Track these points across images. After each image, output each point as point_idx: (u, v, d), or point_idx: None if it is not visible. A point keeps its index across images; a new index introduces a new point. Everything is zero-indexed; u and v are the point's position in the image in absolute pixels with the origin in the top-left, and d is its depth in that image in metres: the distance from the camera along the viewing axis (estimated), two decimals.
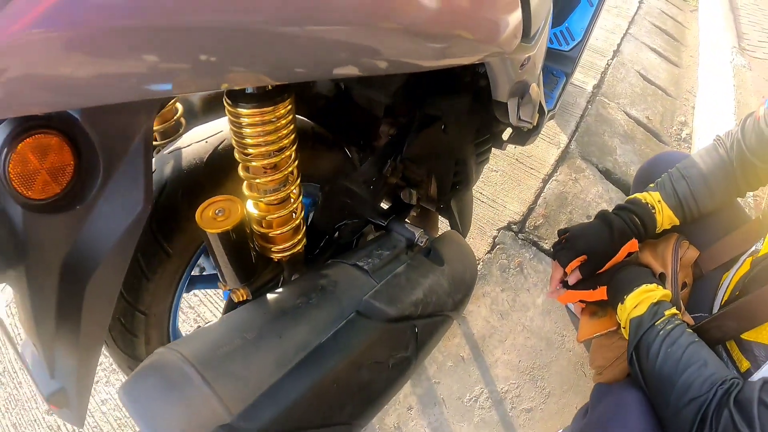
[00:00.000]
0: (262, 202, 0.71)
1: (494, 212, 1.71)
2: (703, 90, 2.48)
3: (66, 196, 0.48)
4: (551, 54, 1.66)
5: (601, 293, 0.93)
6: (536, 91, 0.95)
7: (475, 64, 0.78)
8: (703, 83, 2.54)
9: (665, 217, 0.96)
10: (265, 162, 0.66)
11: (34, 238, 0.49)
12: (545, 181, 1.83)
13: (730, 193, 0.96)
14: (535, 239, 1.66)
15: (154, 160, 0.76)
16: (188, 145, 0.76)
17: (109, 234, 0.50)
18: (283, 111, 0.62)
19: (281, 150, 0.66)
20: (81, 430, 1.16)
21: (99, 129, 0.47)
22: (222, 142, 0.76)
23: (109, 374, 1.25)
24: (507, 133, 1.19)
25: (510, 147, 1.90)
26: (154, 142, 0.94)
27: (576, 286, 0.97)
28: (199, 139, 0.77)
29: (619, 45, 2.58)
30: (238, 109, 0.60)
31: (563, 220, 1.72)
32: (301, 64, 0.48)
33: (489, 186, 1.79)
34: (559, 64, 1.64)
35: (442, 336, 0.82)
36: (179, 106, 0.95)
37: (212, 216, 0.64)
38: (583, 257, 0.95)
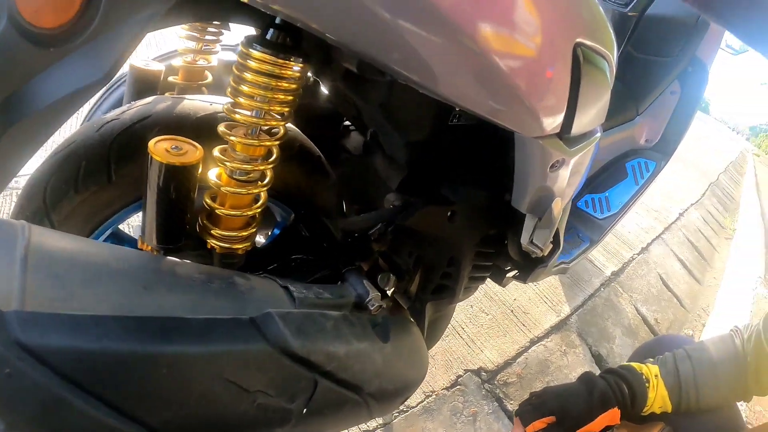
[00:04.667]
0: (226, 173, 0.63)
1: (468, 352, 1.57)
2: (719, 311, 2.42)
3: (52, 33, 0.45)
4: (583, 217, 1.62)
5: None
6: (558, 210, 0.88)
7: (506, 159, 0.75)
8: (720, 305, 2.49)
9: (658, 396, 0.83)
10: (252, 120, 0.58)
11: None
12: (533, 342, 1.70)
13: (736, 390, 0.84)
14: (501, 395, 1.47)
15: (155, 97, 0.73)
16: (192, 99, 0.73)
17: (57, 89, 0.46)
18: (290, 73, 0.57)
19: (271, 114, 0.59)
20: None
21: None
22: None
23: None
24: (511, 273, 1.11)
25: (509, 297, 1.86)
26: (170, 94, 0.90)
27: None
28: (205, 100, 0.74)
29: (648, 245, 2.60)
30: (250, 50, 0.55)
31: (537, 388, 1.53)
32: (357, 30, 0.46)
33: (474, 325, 1.67)
34: (587, 228, 1.60)
35: (344, 422, 0.64)
36: (209, 75, 0.92)
37: (166, 149, 0.56)
38: (550, 418, 0.81)
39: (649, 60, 1.74)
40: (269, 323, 0.50)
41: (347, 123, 1.02)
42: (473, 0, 0.49)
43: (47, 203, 0.65)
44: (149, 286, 0.48)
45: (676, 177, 3.90)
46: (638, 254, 2.46)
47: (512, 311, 1.78)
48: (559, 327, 1.80)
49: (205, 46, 0.89)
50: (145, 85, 0.92)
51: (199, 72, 0.90)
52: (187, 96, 0.74)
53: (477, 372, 1.51)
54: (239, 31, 0.90)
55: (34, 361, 0.38)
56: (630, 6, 1.68)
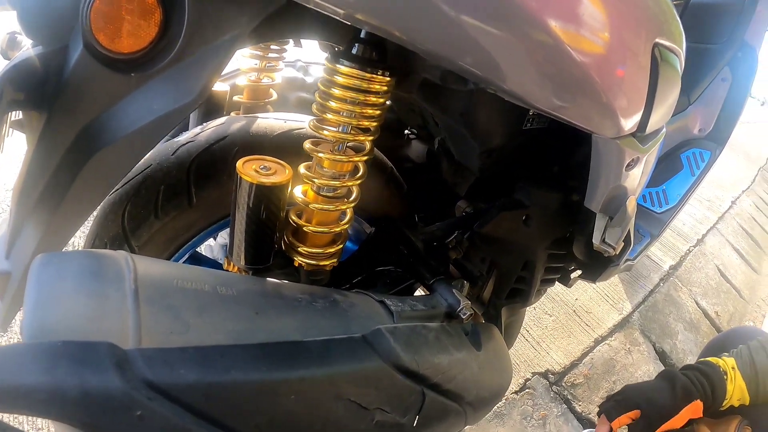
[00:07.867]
0: (313, 190, 0.63)
1: (535, 355, 1.54)
2: None
3: (131, 59, 0.45)
4: (642, 212, 1.58)
5: None
6: (632, 208, 0.86)
7: (574, 160, 0.72)
8: None
9: (736, 388, 0.83)
10: (339, 136, 0.58)
11: (76, 86, 0.45)
12: (597, 342, 1.66)
13: None
14: (569, 397, 1.43)
15: (227, 117, 0.73)
16: (266, 118, 0.73)
17: (144, 113, 0.45)
18: (377, 86, 0.56)
19: (358, 129, 0.59)
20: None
21: (199, 7, 0.45)
22: (300, 129, 0.71)
23: None
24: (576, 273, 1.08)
25: (571, 298, 1.82)
26: (235, 113, 0.91)
27: None
28: (279, 118, 0.74)
29: (704, 235, 2.51)
30: (337, 65, 0.55)
31: (604, 388, 1.51)
32: (432, 34, 0.45)
33: (539, 328, 1.65)
34: (647, 223, 1.56)
35: None
36: (273, 93, 0.93)
37: (255, 169, 0.56)
38: (635, 413, 0.82)
39: (697, 48, 1.67)
40: (380, 339, 0.50)
41: (407, 132, 1.02)
42: (562, 4, 0.48)
43: (126, 229, 0.65)
44: (261, 311, 0.47)
45: (724, 163, 3.75)
46: (694, 246, 2.37)
47: (575, 311, 1.74)
48: (622, 325, 1.75)
49: (268, 64, 0.90)
50: (211, 106, 0.93)
51: (264, 90, 0.91)
52: (259, 115, 0.74)
53: (545, 374, 1.48)
54: (296, 49, 0.92)
55: (165, 399, 0.36)
56: None
